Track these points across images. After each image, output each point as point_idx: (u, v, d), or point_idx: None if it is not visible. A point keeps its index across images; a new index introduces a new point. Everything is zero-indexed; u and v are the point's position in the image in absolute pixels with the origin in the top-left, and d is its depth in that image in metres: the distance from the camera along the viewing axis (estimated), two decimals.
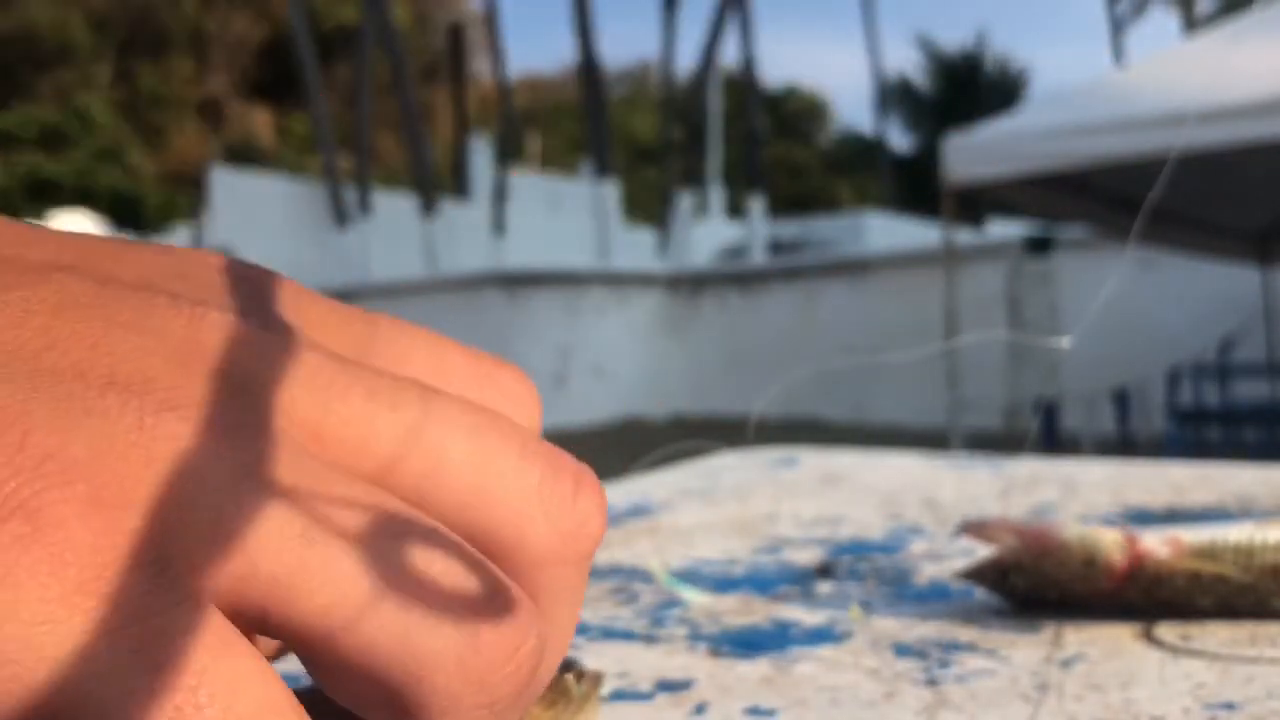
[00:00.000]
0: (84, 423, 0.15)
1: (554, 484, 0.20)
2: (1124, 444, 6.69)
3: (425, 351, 0.22)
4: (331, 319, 0.21)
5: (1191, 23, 19.24)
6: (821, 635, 0.48)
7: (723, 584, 0.58)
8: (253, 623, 0.16)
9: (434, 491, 0.19)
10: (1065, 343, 0.42)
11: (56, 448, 0.15)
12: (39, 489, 0.14)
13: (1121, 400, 6.87)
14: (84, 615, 0.14)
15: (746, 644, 0.47)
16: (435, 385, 0.21)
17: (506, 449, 0.20)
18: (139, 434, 0.16)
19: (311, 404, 0.18)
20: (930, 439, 7.61)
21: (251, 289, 0.20)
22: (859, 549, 0.65)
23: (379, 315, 0.22)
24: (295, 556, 0.16)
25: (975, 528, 0.50)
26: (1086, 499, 0.76)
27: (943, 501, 0.79)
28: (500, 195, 19.30)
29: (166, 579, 0.15)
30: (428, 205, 18.28)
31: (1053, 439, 5.52)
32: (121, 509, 0.15)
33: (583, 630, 0.51)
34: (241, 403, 0.17)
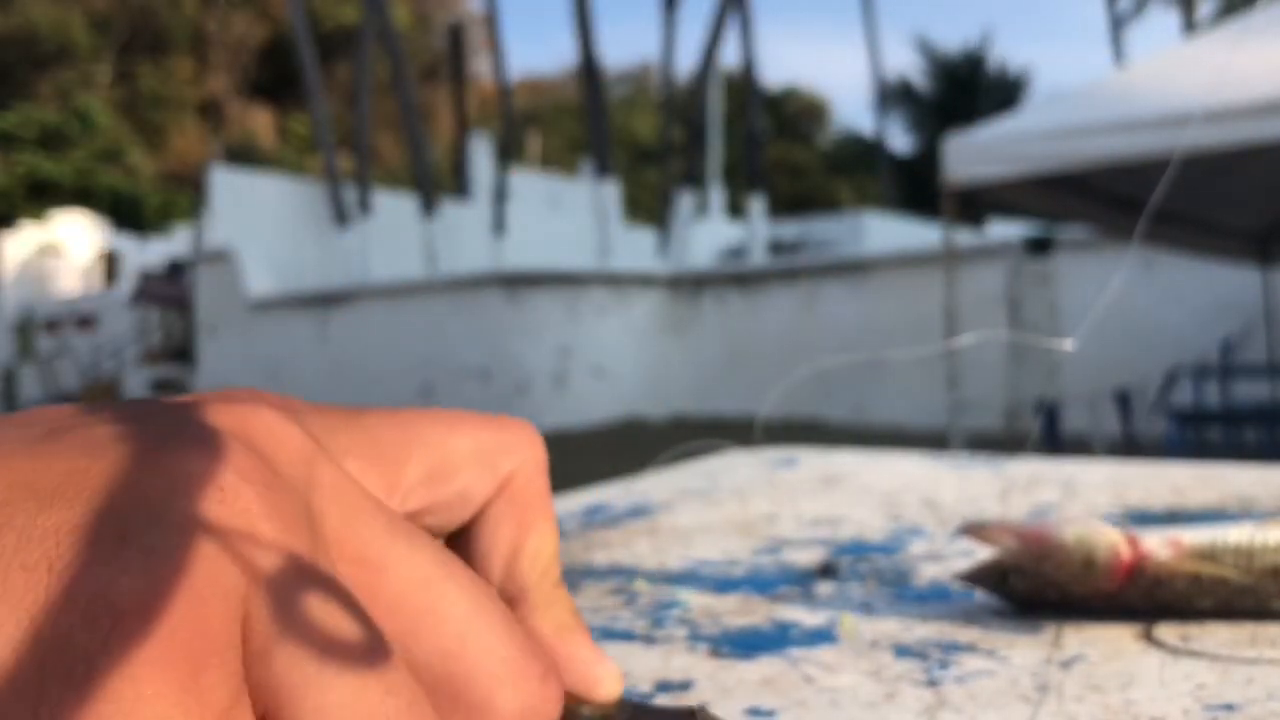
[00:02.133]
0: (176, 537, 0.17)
1: (527, 663, 0.22)
2: (1132, 445, 6.68)
3: (430, 421, 0.24)
4: (338, 422, 0.23)
5: (1191, 23, 19.22)
6: (822, 636, 0.48)
7: (723, 584, 0.58)
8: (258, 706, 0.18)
9: (428, 631, 0.20)
10: (1069, 345, 0.42)
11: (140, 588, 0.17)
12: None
13: (1125, 401, 6.86)
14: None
15: (746, 644, 0.47)
16: (451, 436, 0.24)
17: (494, 622, 0.21)
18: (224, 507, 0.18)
19: (339, 519, 0.20)
20: (930, 440, 7.61)
21: (282, 406, 0.22)
22: (859, 549, 0.65)
23: (372, 411, 0.24)
24: (315, 668, 0.18)
25: (975, 529, 0.50)
26: (1087, 499, 0.76)
27: (943, 502, 0.79)
28: (500, 195, 19.30)
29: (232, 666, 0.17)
30: (428, 205, 18.28)
31: (1056, 440, 5.51)
32: (205, 600, 0.17)
33: None
34: (283, 500, 0.19)
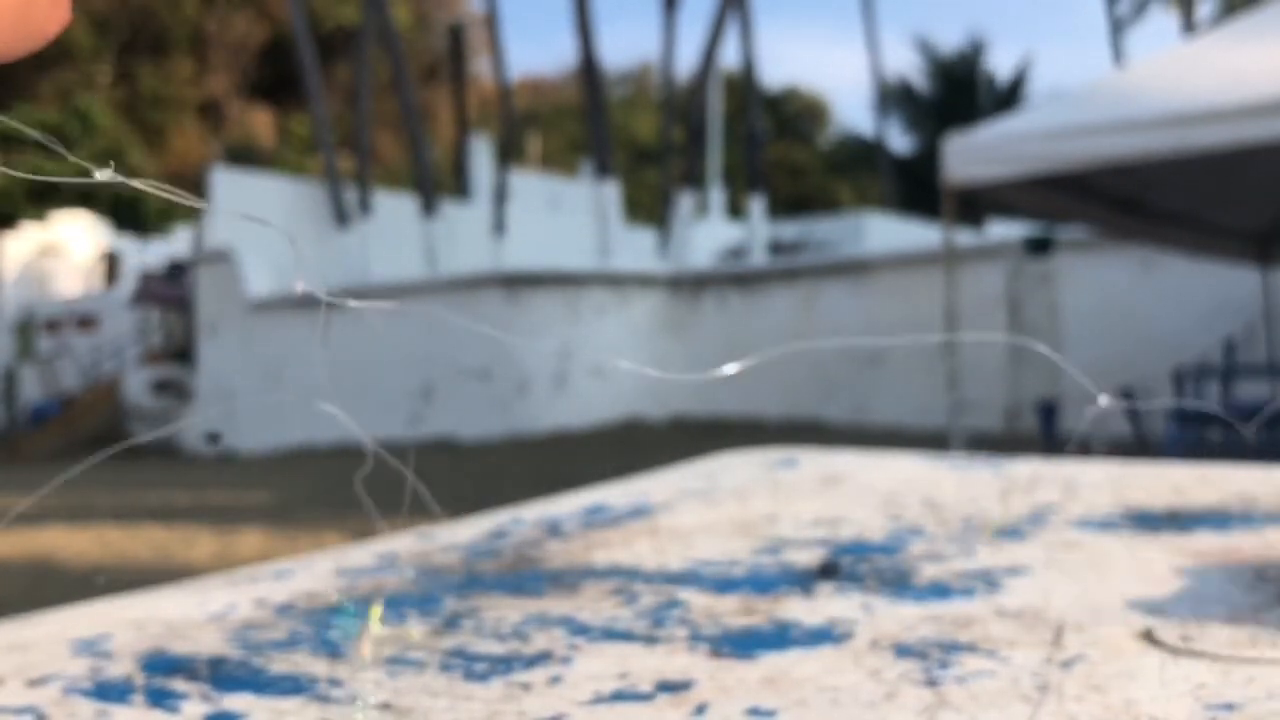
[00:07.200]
0: None
1: None
2: (1144, 446, 6.66)
3: None
4: None
5: (1191, 23, 19.22)
6: (821, 636, 0.48)
7: (723, 584, 0.58)
8: None
9: None
10: (994, 337, 0.42)
11: None
12: None
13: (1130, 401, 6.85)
14: None
15: (746, 644, 0.47)
16: None
17: None
18: None
19: None
20: (930, 440, 7.60)
21: None
22: (859, 550, 0.65)
23: None
24: None
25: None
26: (1087, 500, 0.76)
27: (943, 502, 0.79)
28: (500, 195, 19.29)
29: None
30: (428, 205, 18.28)
31: (1053, 439, 5.50)
32: None
33: (583, 630, 0.51)
34: None
